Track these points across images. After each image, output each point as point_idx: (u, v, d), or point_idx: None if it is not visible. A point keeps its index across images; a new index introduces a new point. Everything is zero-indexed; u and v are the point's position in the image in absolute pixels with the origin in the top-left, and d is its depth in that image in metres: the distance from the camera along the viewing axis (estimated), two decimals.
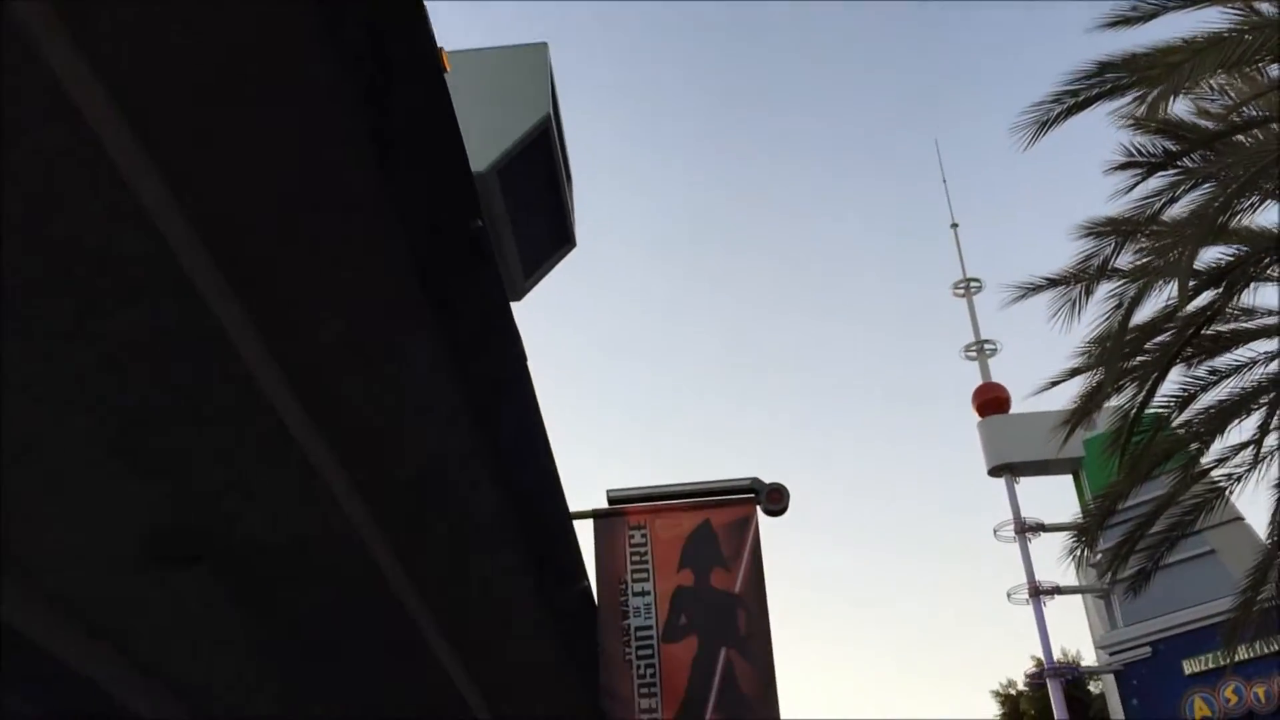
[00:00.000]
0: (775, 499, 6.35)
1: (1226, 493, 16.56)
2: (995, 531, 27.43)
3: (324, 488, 4.18)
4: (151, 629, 4.62)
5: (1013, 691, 39.05)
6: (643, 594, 6.44)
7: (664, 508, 6.81)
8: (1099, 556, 26.96)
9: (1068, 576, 26.84)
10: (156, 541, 4.21)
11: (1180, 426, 15.77)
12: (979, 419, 29.25)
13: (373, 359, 3.92)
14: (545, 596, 5.78)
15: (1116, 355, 12.82)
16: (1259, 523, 25.03)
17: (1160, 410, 14.96)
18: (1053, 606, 27.65)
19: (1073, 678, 37.98)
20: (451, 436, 4.27)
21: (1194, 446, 15.66)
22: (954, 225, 34.00)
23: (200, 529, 4.13)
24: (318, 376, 3.93)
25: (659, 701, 6.22)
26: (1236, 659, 22.31)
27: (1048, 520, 27.46)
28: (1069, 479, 28.65)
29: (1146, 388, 14.31)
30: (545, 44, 9.38)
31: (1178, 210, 13.73)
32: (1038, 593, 25.91)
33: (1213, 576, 23.54)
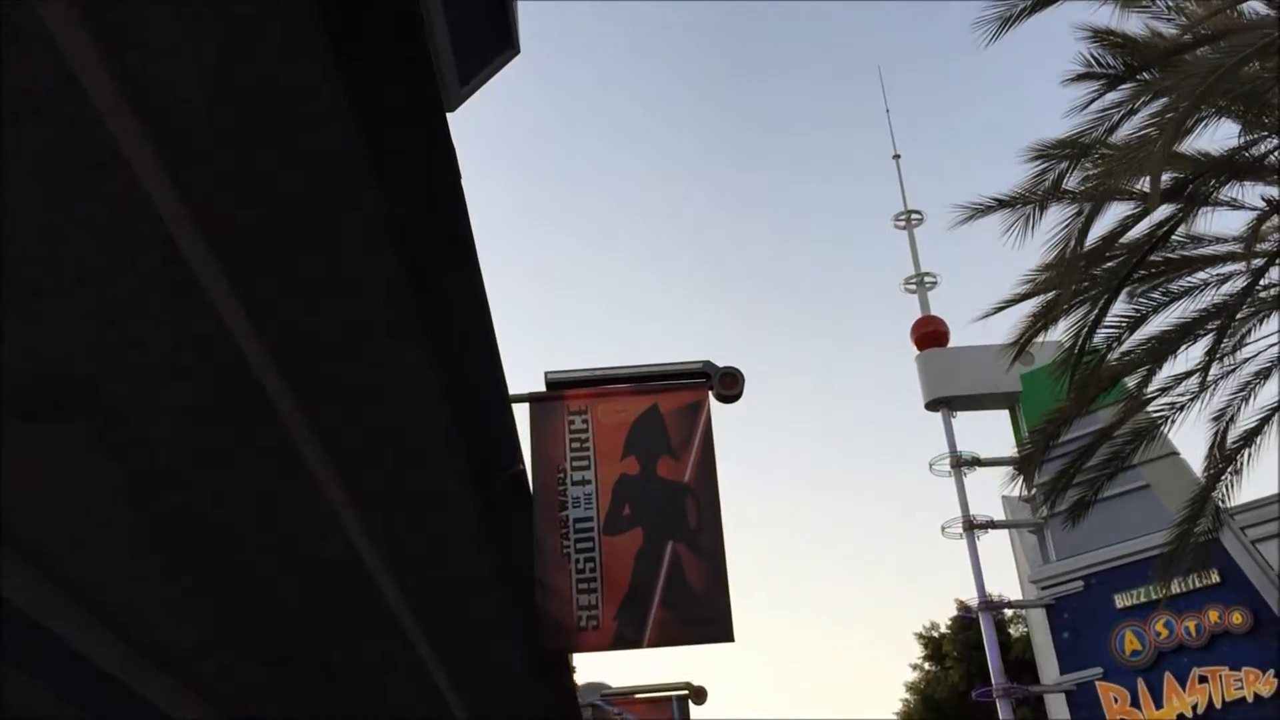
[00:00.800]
0: (729, 384, 5.90)
1: (1169, 422, 16.57)
2: (931, 466, 27.50)
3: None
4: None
5: (935, 634, 39.61)
6: (583, 483, 5.91)
7: (608, 392, 6.28)
8: (1034, 492, 27.23)
9: (1001, 511, 27.06)
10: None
11: (1128, 352, 15.69)
12: (917, 352, 29.19)
13: None
14: (476, 479, 5.24)
15: (1075, 265, 12.56)
16: (1193, 458, 25.37)
17: (1111, 330, 14.81)
18: (982, 547, 27.88)
19: (1003, 614, 38.69)
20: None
21: (1142, 370, 15.59)
22: (896, 156, 33.75)
23: None
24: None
25: (599, 598, 5.74)
26: (1169, 593, 22.72)
27: (984, 455, 27.57)
28: (1005, 415, 28.76)
29: (1099, 306, 14.12)
30: None
31: (1128, 131, 13.52)
32: (972, 526, 26.02)
33: (1146, 511, 23.79)
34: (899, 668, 71.81)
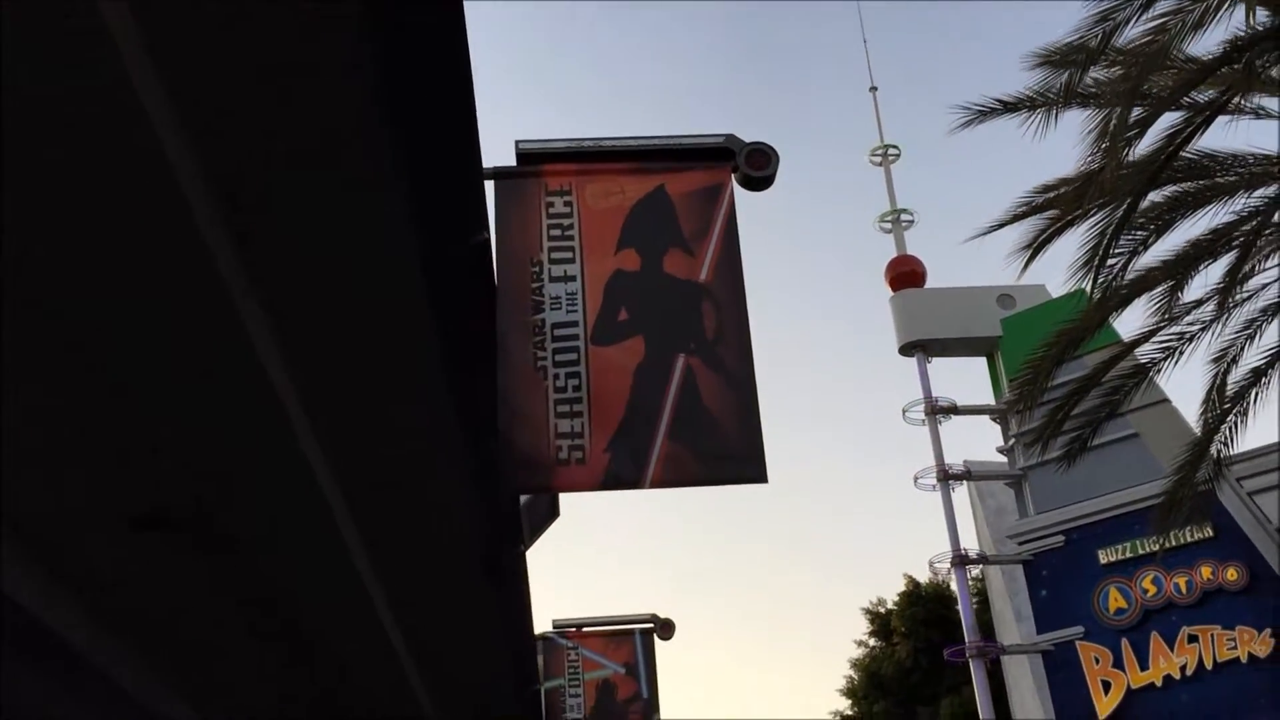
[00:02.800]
0: (758, 163, 4.57)
1: (1175, 354, 15.60)
2: (904, 413, 26.45)
3: None
4: None
5: (882, 610, 39.06)
6: (564, 279, 4.48)
7: (599, 170, 4.85)
8: (1011, 443, 26.30)
9: (980, 455, 26.12)
10: None
11: (1148, 270, 14.62)
12: (891, 293, 28.11)
13: None
14: (424, 250, 3.86)
15: (1115, 149, 11.37)
16: (1185, 408, 24.58)
17: (1137, 234, 13.69)
18: (934, 510, 26.96)
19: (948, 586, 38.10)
20: None
21: (1164, 287, 14.52)
22: (873, 89, 32.55)
23: None
24: None
25: (585, 424, 4.36)
26: (1154, 549, 21.88)
27: (961, 402, 26.58)
28: (981, 370, 27.81)
29: (1124, 206, 12.97)
30: None
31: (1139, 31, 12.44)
32: (947, 477, 25.03)
33: (1133, 462, 22.93)
34: (846, 644, 71.88)
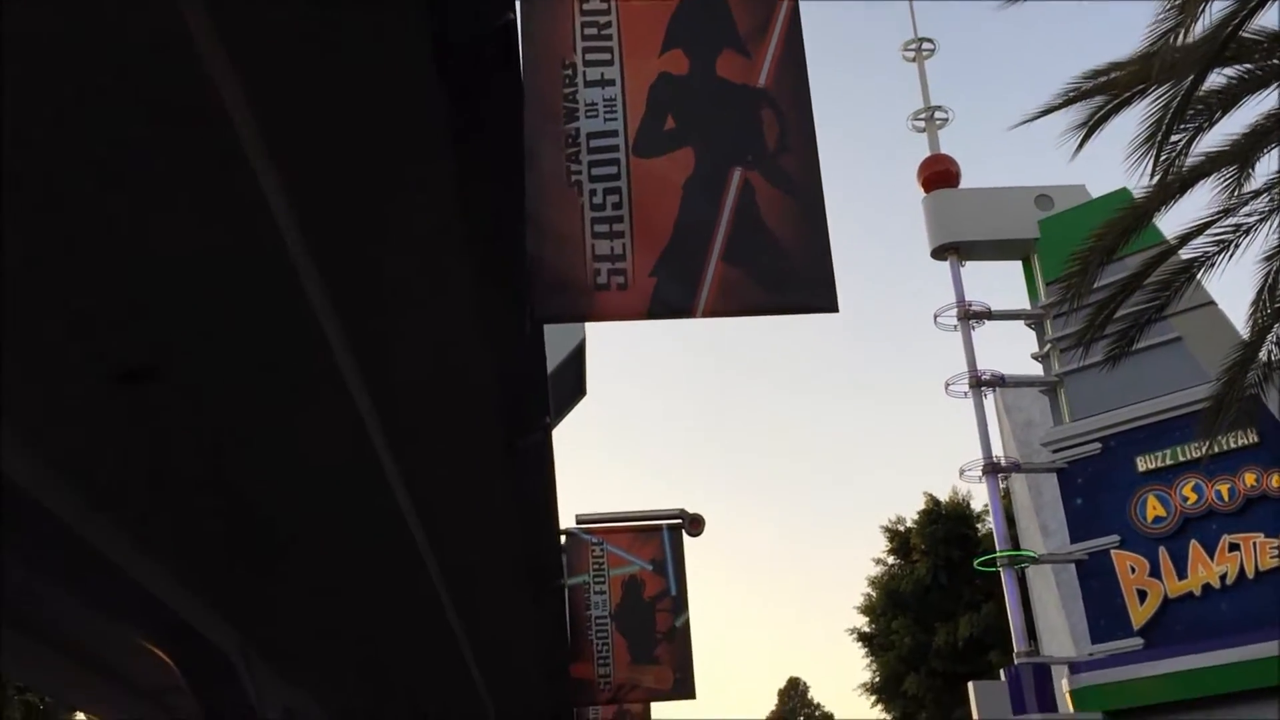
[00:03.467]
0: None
1: (1231, 247, 14.94)
2: (936, 318, 25.76)
3: None
4: None
5: (901, 528, 38.89)
6: (601, 84, 3.89)
7: None
8: (1046, 348, 25.66)
9: (1011, 369, 25.52)
10: None
11: (1211, 152, 13.85)
12: (924, 194, 27.27)
13: None
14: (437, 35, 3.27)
15: (1192, 6, 10.57)
16: (1231, 312, 23.86)
17: (1199, 109, 12.91)
18: (960, 422, 26.37)
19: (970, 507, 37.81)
20: None
21: (1229, 171, 13.76)
22: None
23: None
24: None
25: (628, 245, 3.77)
26: (1195, 456, 21.35)
27: (994, 308, 25.87)
28: (1015, 270, 27.05)
29: (1190, 80, 12.18)
30: None
31: None
32: (979, 383, 24.43)
33: (1175, 367, 22.30)
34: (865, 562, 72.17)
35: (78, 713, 27.62)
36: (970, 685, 21.66)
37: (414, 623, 9.67)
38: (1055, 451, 23.57)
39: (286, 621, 9.33)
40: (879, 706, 39.25)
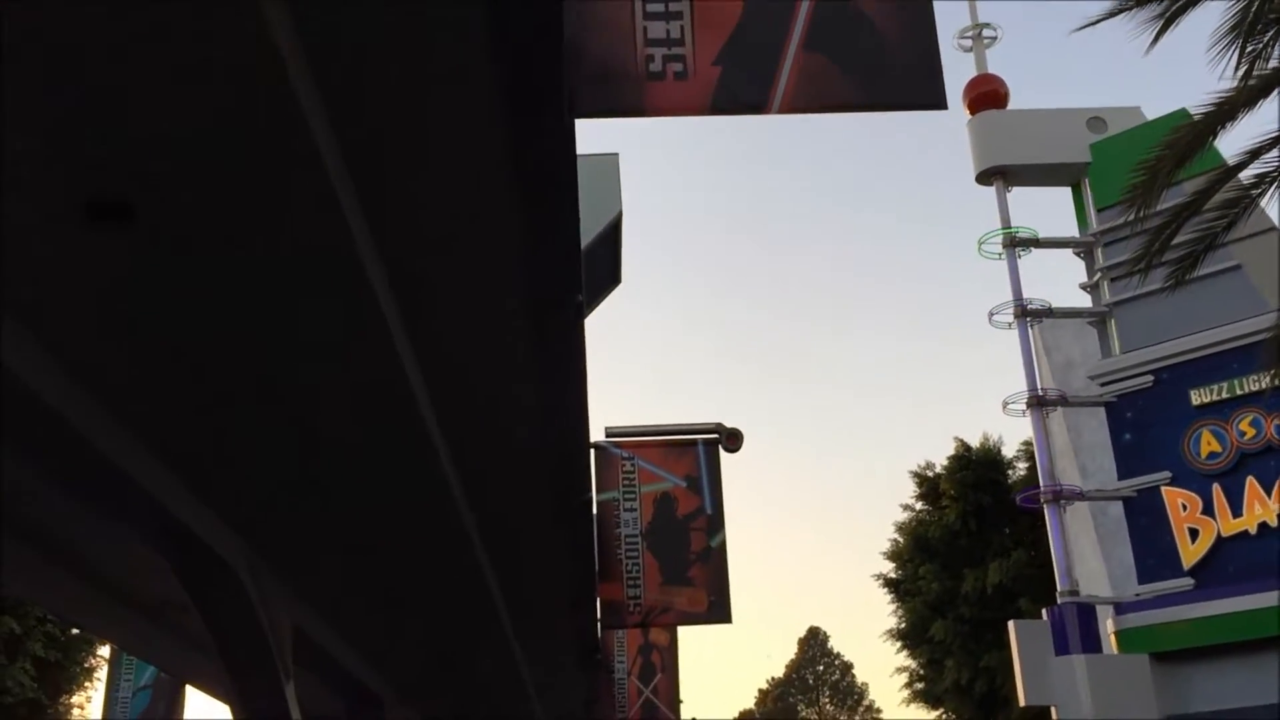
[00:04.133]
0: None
1: None
2: (980, 245, 24.90)
3: None
4: None
5: (930, 474, 38.27)
6: None
7: None
8: (1096, 277, 24.77)
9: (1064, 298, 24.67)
10: None
11: None
12: (969, 116, 26.29)
13: None
14: None
15: None
16: None
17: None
18: (995, 360, 25.60)
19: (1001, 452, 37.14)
20: None
21: None
22: None
23: None
24: None
25: (687, 27, 3.00)
26: (1254, 389, 20.55)
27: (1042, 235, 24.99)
28: (1067, 194, 26.09)
29: None
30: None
31: None
32: (1025, 313, 23.61)
33: (1233, 296, 21.45)
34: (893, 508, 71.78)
35: (100, 646, 27.58)
36: (1011, 624, 21.06)
37: (433, 539, 9.12)
38: (1104, 385, 22.81)
39: (298, 533, 8.81)
40: (904, 653, 38.96)
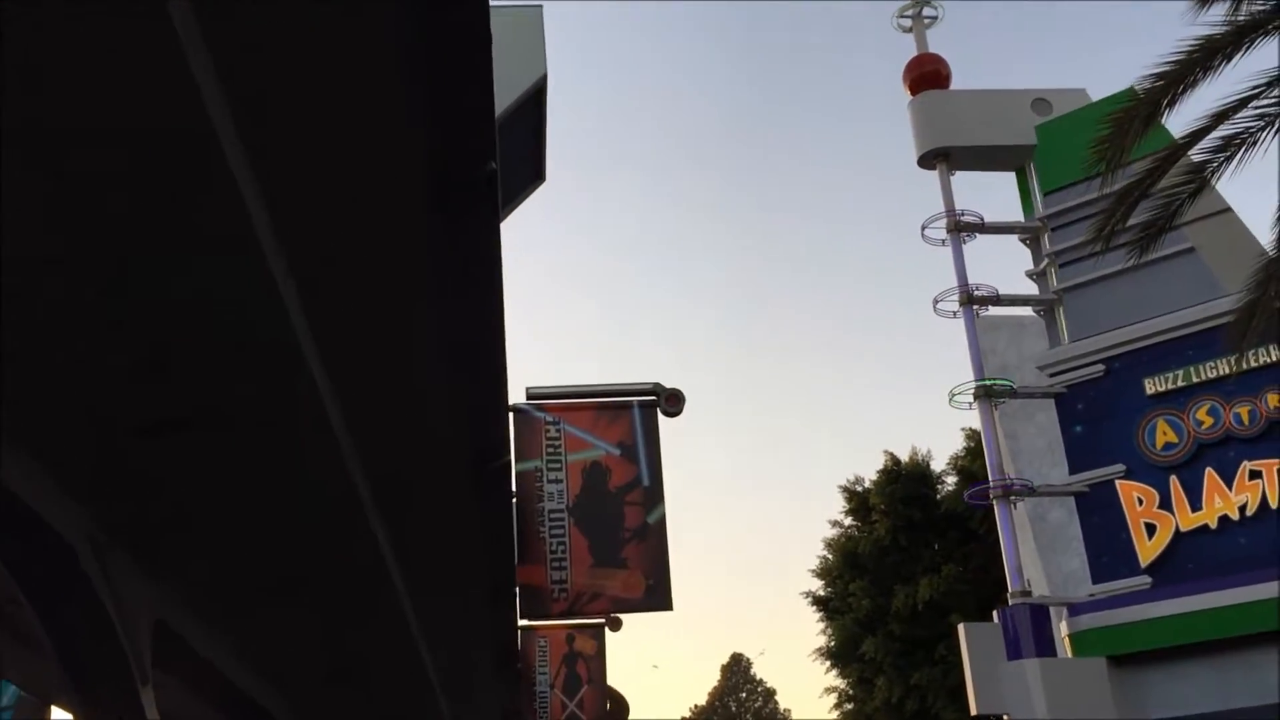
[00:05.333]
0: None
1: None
2: (924, 230, 24.10)
3: None
4: None
5: (859, 489, 38.00)
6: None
7: None
8: (1044, 264, 24.08)
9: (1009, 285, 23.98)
10: None
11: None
12: (910, 97, 25.59)
13: None
14: None
15: None
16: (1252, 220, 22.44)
17: None
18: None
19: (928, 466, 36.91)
20: None
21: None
22: None
23: None
24: None
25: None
26: (1210, 376, 19.97)
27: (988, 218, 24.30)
28: (1011, 179, 25.47)
29: None
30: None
31: None
32: (971, 300, 22.85)
33: (1187, 281, 20.91)
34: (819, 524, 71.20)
35: None
36: (961, 627, 20.15)
37: (321, 513, 7.83)
38: (1053, 376, 22.11)
39: (156, 506, 7.47)
40: (833, 672, 38.53)
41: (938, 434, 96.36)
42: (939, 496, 36.47)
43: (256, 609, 9.28)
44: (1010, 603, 19.99)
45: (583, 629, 17.79)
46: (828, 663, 38.57)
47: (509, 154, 6.08)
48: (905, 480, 36.85)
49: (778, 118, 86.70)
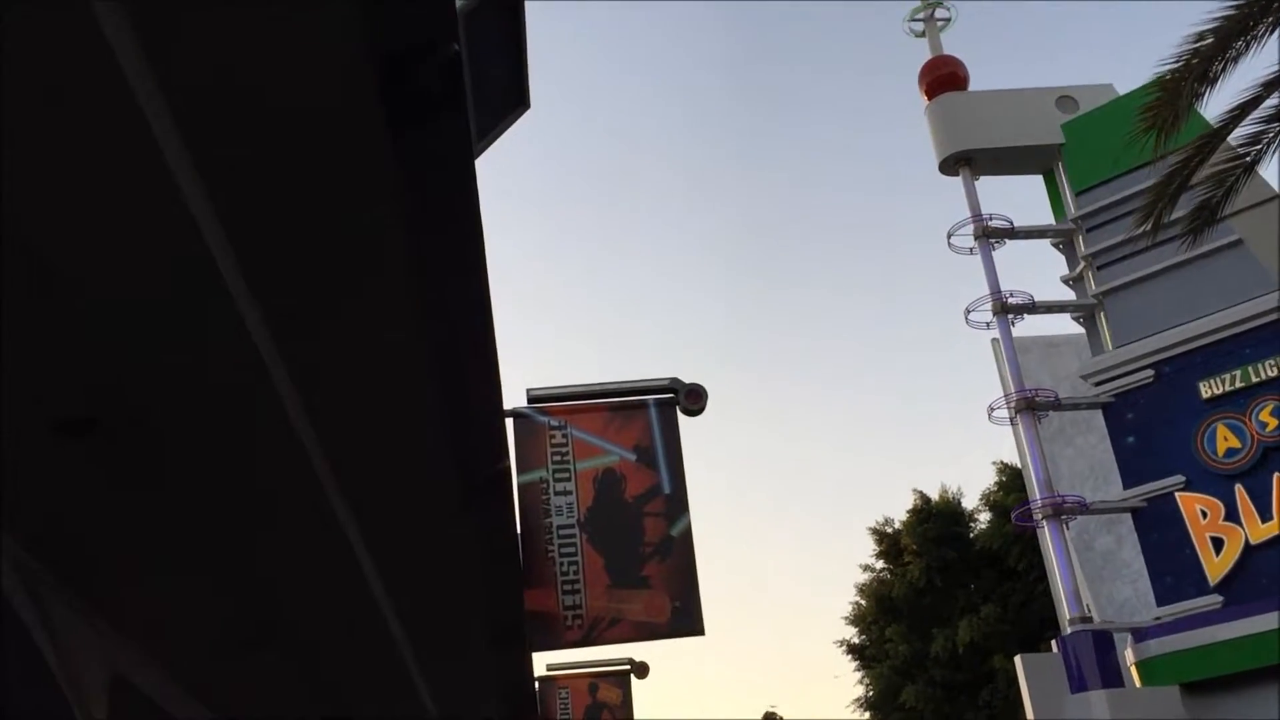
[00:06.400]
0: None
1: None
2: (949, 237, 23.23)
3: None
4: None
5: (889, 530, 37.35)
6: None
7: None
8: (1080, 267, 23.15)
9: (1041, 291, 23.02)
10: None
11: None
12: (928, 102, 24.84)
13: None
14: None
15: None
16: None
17: None
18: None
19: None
20: None
21: None
22: None
23: None
24: None
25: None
26: (1273, 374, 18.95)
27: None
28: (1038, 181, 24.64)
29: None
30: None
31: None
32: (1005, 309, 21.91)
33: (1237, 274, 19.96)
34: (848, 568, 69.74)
35: None
36: (1018, 659, 19.01)
37: (295, 534, 6.88)
38: (1098, 385, 21.10)
39: (104, 532, 6.52)
40: None
41: (966, 473, 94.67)
42: (972, 535, 35.88)
43: (230, 660, 8.29)
44: (1069, 629, 18.84)
45: (606, 677, 16.74)
46: (867, 714, 37.89)
47: (481, 59, 5.22)
48: (936, 519, 36.60)
49: (796, 124, 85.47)
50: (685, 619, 7.80)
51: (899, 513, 38.60)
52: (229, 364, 4.81)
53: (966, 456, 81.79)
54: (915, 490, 37.73)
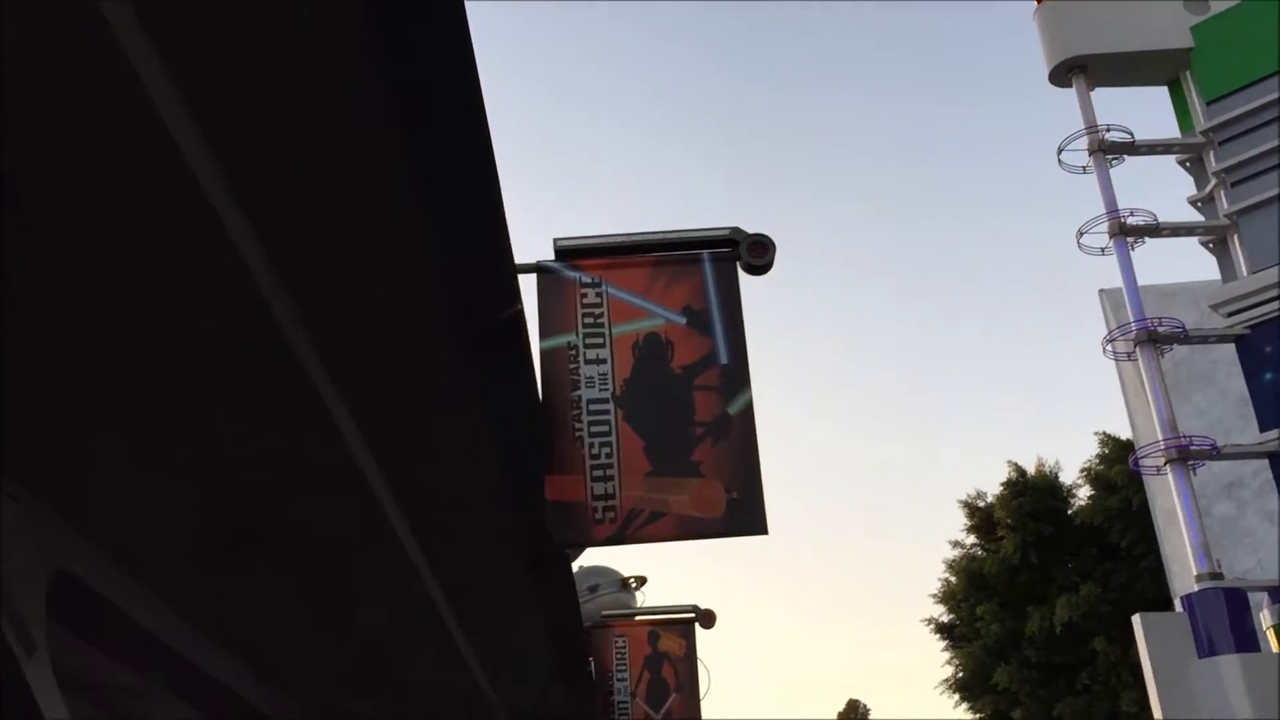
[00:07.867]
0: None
1: None
2: (1060, 153, 21.60)
3: None
4: None
5: (982, 503, 36.17)
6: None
7: None
8: (1211, 185, 21.36)
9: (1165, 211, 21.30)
10: None
11: None
12: (1036, 6, 23.16)
13: None
14: None
15: None
16: None
17: None
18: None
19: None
20: None
21: None
22: None
23: None
24: None
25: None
26: None
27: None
28: (1162, 93, 22.84)
29: None
30: None
31: None
32: (1124, 230, 20.26)
33: None
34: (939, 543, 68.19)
35: None
36: (1137, 619, 17.43)
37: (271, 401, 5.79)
38: (1231, 315, 19.41)
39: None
40: (964, 706, 36.69)
41: (1062, 447, 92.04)
42: (1071, 510, 34.54)
43: (239, 589, 7.26)
44: (1197, 587, 17.30)
45: (668, 625, 15.53)
46: (956, 695, 36.97)
47: None
48: (1032, 492, 35.46)
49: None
50: (744, 514, 6.53)
51: (992, 486, 37.51)
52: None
53: (1062, 432, 79.24)
54: (1010, 462, 36.34)
